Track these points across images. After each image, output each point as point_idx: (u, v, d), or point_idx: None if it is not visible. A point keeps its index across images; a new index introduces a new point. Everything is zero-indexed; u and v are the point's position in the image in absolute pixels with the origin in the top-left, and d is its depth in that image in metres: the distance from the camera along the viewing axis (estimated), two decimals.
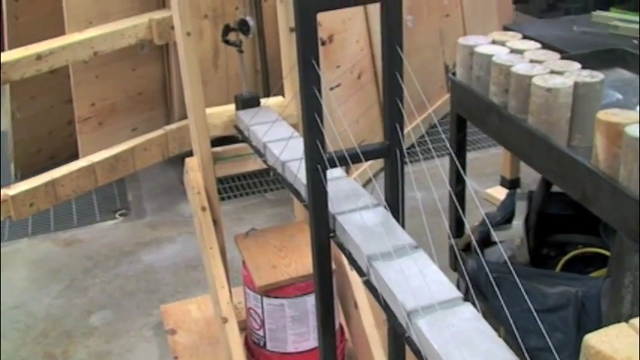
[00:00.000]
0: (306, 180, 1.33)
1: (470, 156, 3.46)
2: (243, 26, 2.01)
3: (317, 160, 1.29)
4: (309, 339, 1.99)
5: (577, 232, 2.07)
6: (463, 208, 2.30)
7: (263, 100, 2.14)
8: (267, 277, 1.93)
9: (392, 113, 1.32)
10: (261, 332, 2.01)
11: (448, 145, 2.04)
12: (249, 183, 3.38)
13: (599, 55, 2.13)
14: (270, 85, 3.31)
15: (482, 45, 2.01)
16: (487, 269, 1.86)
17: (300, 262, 1.96)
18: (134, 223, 3.10)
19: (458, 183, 2.26)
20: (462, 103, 2.10)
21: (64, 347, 2.35)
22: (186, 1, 1.93)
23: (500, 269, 1.91)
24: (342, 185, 1.48)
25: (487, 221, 2.07)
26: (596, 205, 1.55)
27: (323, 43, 2.94)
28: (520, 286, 1.57)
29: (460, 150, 2.21)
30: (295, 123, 2.05)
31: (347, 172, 3.05)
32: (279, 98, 2.21)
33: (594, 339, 0.72)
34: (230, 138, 2.17)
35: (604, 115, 1.53)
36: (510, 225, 1.97)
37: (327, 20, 2.95)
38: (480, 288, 2.00)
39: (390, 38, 1.26)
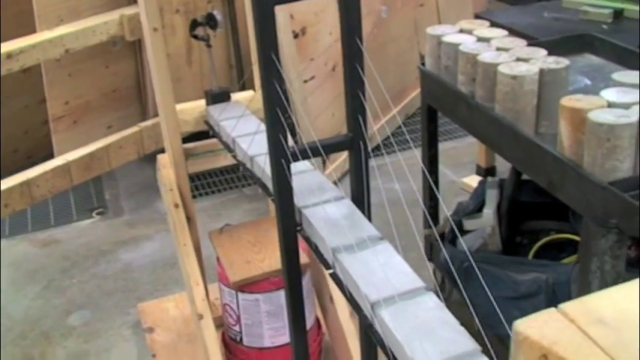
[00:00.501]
0: (270, 174, 1.33)
1: (447, 145, 3.50)
2: (210, 20, 2.00)
3: (280, 154, 1.29)
4: (285, 333, 1.99)
5: (549, 219, 2.08)
6: (438, 198, 2.31)
7: (233, 95, 2.13)
8: (240, 273, 1.93)
9: (354, 105, 1.32)
10: (237, 328, 2.01)
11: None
12: (226, 178, 3.37)
13: (568, 41, 2.14)
14: (245, 83, 3.31)
15: (450, 34, 2.01)
16: (448, 258, 1.88)
17: (274, 256, 1.95)
18: (112, 221, 3.09)
19: (431, 173, 2.27)
20: (432, 94, 2.10)
21: (43, 348, 2.35)
22: None
23: (475, 258, 1.92)
24: (308, 178, 1.48)
25: (455, 211, 2.08)
26: (563, 192, 1.57)
27: (296, 36, 2.94)
28: (489, 274, 1.57)
29: (432, 140, 2.21)
30: None
31: (324, 164, 3.06)
32: (250, 92, 2.21)
33: (523, 325, 0.72)
34: (206, 133, 2.17)
35: (568, 101, 1.54)
36: (481, 214, 1.98)
37: (300, 13, 2.95)
38: (453, 277, 2.01)
39: (348, 30, 1.26)
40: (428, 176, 2.26)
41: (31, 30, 2.71)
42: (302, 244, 2.04)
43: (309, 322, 2.04)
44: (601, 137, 1.42)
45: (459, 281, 2.01)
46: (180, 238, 2.04)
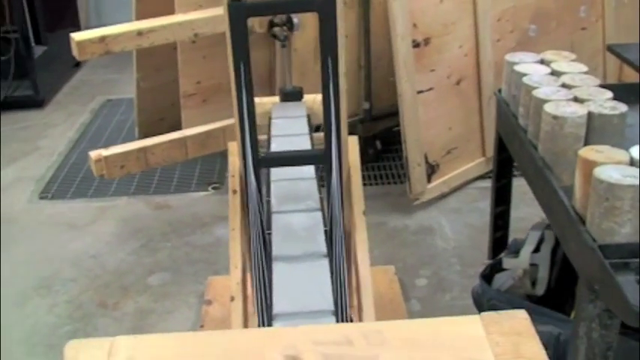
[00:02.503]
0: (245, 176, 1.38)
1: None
2: (287, 23, 2.07)
3: (251, 159, 1.34)
4: None
5: None
6: (504, 230, 2.22)
7: (308, 96, 2.19)
8: None
9: (328, 123, 1.33)
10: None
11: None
12: None
13: None
14: (371, 82, 3.34)
15: (526, 63, 1.92)
16: (478, 292, 1.80)
17: None
18: (222, 197, 3.28)
19: (501, 205, 2.18)
20: (501, 122, 2.02)
21: (117, 299, 2.58)
22: None
23: (499, 297, 1.83)
24: (300, 185, 1.51)
25: (508, 247, 1.99)
26: (567, 247, 1.46)
27: (417, 45, 2.92)
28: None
29: (502, 170, 2.13)
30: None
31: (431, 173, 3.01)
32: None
33: None
34: None
35: (586, 150, 1.43)
36: (519, 254, 1.88)
37: (425, 22, 2.92)
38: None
39: (323, 49, 1.27)
40: (493, 207, 2.18)
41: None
42: None
43: None
44: (600, 195, 1.31)
45: None
46: (232, 222, 2.14)
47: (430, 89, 3.01)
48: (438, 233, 2.93)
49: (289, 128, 1.87)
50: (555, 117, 1.58)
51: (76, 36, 2.64)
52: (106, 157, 2.83)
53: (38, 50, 4.34)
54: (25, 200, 3.31)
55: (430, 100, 3.01)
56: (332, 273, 1.22)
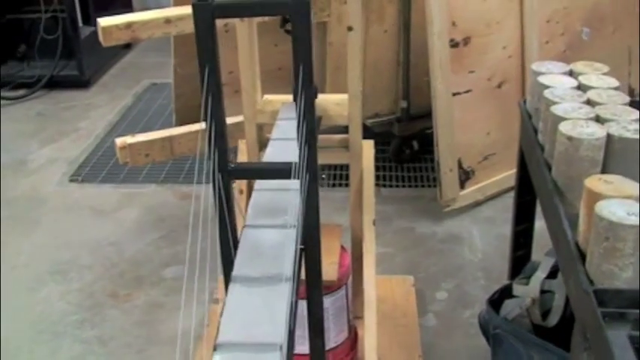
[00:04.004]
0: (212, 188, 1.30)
1: None
2: None
3: (221, 168, 1.26)
4: (303, 343, 1.95)
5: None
6: (530, 249, 2.09)
7: (323, 96, 2.10)
8: None
9: (301, 133, 1.23)
10: None
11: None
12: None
13: None
14: (409, 78, 3.20)
15: (552, 74, 1.78)
16: (484, 319, 1.68)
17: None
18: None
19: (521, 222, 2.05)
20: (523, 135, 1.88)
21: (130, 290, 2.55)
22: None
23: (505, 327, 1.70)
24: (285, 198, 1.41)
25: (524, 270, 1.85)
26: (567, 284, 1.32)
27: (455, 45, 2.78)
28: (513, 349, 1.41)
29: (523, 186, 1.98)
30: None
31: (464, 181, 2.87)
32: (342, 96, 2.14)
33: None
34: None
35: (593, 180, 1.29)
36: (529, 281, 1.74)
37: (465, 21, 2.77)
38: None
39: (295, 54, 1.17)
40: (514, 225, 2.04)
41: None
42: (344, 258, 1.98)
43: (337, 340, 1.98)
44: (600, 233, 1.17)
45: (489, 345, 1.80)
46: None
47: (468, 91, 2.86)
48: (466, 243, 2.79)
49: (290, 131, 1.77)
50: (570, 138, 1.44)
51: (103, 21, 2.61)
52: (130, 145, 2.80)
53: (86, 31, 4.35)
54: (55, 182, 3.32)
55: (468, 103, 2.87)
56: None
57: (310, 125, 1.22)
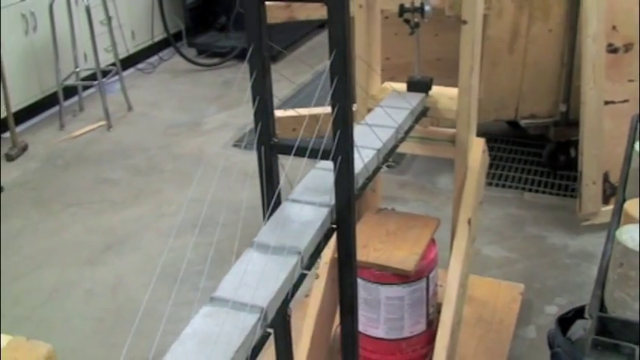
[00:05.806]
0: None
1: None
2: (419, 9, 1.98)
3: (263, 142, 1.34)
4: (377, 327, 1.99)
5: None
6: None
7: (438, 88, 2.10)
8: None
9: (337, 119, 1.28)
10: None
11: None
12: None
13: None
14: (572, 81, 3.04)
15: None
16: (551, 337, 1.62)
17: (390, 252, 1.94)
18: (395, 177, 3.28)
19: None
20: None
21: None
22: None
23: (565, 347, 1.63)
24: (329, 179, 1.45)
25: None
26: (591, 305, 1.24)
27: (614, 51, 2.60)
28: None
29: None
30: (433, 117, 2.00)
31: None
32: (456, 90, 2.12)
33: None
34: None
35: (632, 203, 1.21)
36: None
37: (627, 25, 2.58)
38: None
39: (332, 42, 1.22)
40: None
41: None
42: (430, 251, 1.97)
43: (412, 330, 1.99)
44: (616, 258, 1.10)
45: None
46: None
47: (625, 101, 2.67)
48: (596, 262, 2.61)
49: (381, 118, 1.82)
50: None
51: (269, 3, 2.78)
52: (279, 119, 2.97)
53: None
54: (220, 145, 3.61)
55: (622, 113, 2.68)
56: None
57: (344, 111, 1.26)
